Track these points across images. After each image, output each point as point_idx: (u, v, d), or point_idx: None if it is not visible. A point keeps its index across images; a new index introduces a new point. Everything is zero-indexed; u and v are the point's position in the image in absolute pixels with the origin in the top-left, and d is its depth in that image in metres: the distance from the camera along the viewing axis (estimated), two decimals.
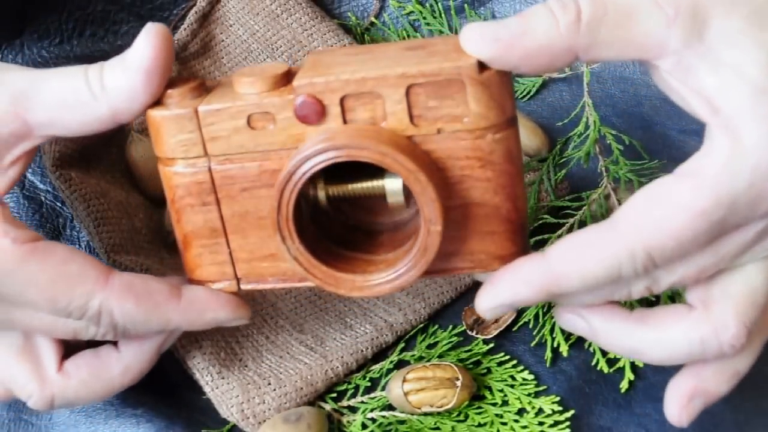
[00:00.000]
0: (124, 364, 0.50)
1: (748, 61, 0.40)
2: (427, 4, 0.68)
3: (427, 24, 0.68)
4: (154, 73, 0.43)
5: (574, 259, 0.42)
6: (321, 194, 0.45)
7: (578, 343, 0.56)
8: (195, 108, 0.43)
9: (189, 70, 0.66)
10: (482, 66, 0.41)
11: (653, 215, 0.41)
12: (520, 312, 0.58)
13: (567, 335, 0.56)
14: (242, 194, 0.44)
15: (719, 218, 0.41)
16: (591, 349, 0.56)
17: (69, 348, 0.50)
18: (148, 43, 0.43)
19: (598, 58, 0.42)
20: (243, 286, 0.47)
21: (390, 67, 0.41)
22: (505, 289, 0.43)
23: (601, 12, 0.40)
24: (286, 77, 0.43)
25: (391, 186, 0.44)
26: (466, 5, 0.67)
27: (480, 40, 0.41)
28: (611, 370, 0.55)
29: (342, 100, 0.42)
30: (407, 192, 0.43)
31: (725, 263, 0.44)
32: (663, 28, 0.40)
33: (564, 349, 0.56)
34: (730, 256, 0.43)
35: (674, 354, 0.45)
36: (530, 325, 0.58)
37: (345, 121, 0.42)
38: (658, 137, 0.65)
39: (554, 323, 0.57)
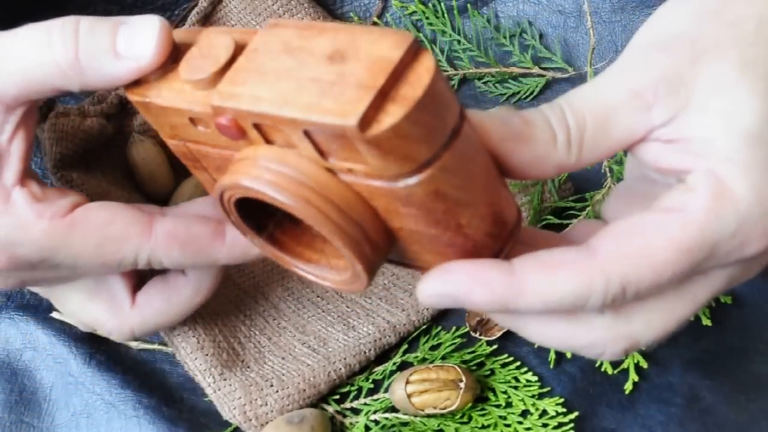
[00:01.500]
0: (193, 286, 0.51)
1: (740, 108, 0.38)
2: (430, 4, 0.68)
3: (430, 24, 0.68)
4: (146, 71, 0.42)
5: (543, 279, 0.39)
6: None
7: None
8: (150, 100, 0.42)
9: None
10: (368, 121, 0.35)
11: (635, 244, 0.38)
12: None
13: None
14: (223, 168, 0.43)
15: (700, 260, 0.38)
16: None
17: (140, 277, 0.52)
18: (154, 40, 0.41)
19: (585, 166, 0.40)
20: None
21: (286, 104, 0.37)
22: (459, 282, 0.39)
23: (582, 127, 0.39)
24: (223, 71, 0.40)
25: None
26: (468, 5, 0.67)
27: None
28: (615, 372, 0.55)
29: (255, 125, 0.39)
30: None
31: (697, 309, 0.41)
32: (643, 115, 0.39)
33: (568, 353, 0.56)
34: (701, 304, 0.41)
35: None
36: None
37: (267, 141, 0.40)
38: None
39: None
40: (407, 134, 0.35)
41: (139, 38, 0.42)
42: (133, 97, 0.43)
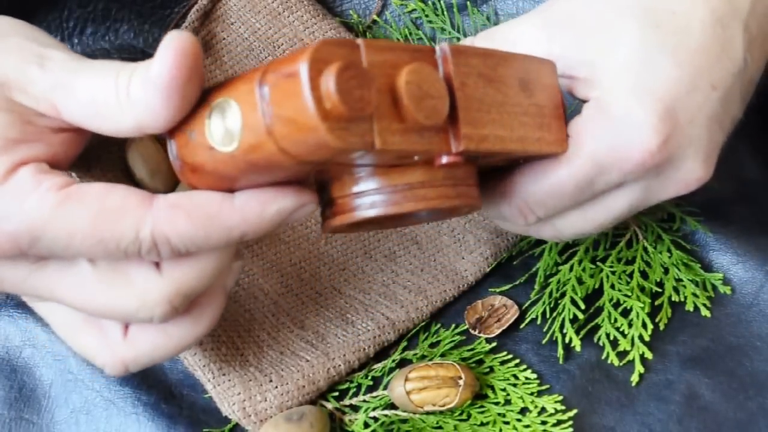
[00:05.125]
0: (193, 315, 0.46)
1: (618, 41, 0.48)
2: (430, 2, 0.68)
3: (429, 22, 0.68)
4: (174, 91, 0.40)
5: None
6: None
7: (584, 340, 0.56)
8: (376, 145, 0.39)
9: None
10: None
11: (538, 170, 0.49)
12: (524, 311, 0.58)
13: (577, 330, 0.56)
14: None
15: (590, 174, 0.48)
16: (600, 344, 0.56)
17: None
18: (167, 56, 0.40)
19: None
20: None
21: (523, 142, 0.46)
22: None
23: None
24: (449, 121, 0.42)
25: None
26: (468, 3, 0.67)
27: None
28: (621, 364, 0.55)
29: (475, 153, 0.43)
30: None
31: (615, 216, 0.51)
32: (542, 48, 0.50)
33: (576, 344, 0.56)
34: (619, 212, 0.51)
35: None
36: (538, 322, 0.58)
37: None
38: None
39: (563, 320, 0.56)
40: None
41: (155, 59, 0.41)
42: (349, 144, 0.38)
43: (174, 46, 0.40)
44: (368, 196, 0.43)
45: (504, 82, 0.45)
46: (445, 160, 0.42)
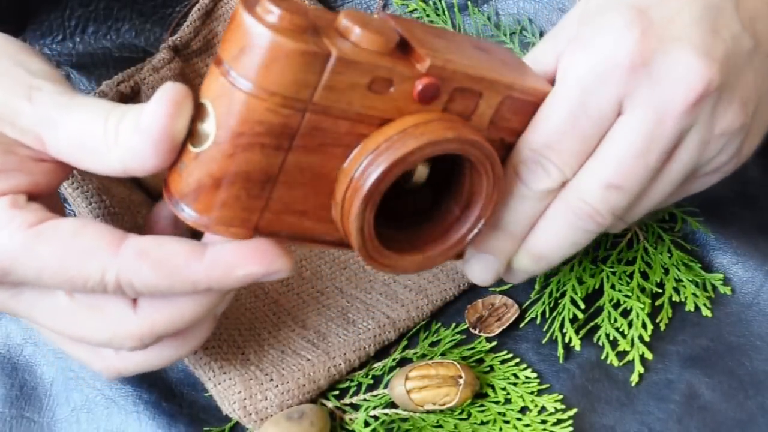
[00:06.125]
0: (182, 337, 0.47)
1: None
2: (431, 2, 0.68)
3: (431, 21, 0.68)
4: (163, 142, 0.41)
5: None
6: (422, 172, 0.46)
7: (584, 340, 0.56)
8: (333, 53, 0.40)
9: (191, 67, 0.66)
10: None
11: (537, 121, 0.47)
12: (524, 310, 0.58)
13: (577, 330, 0.56)
14: (317, 148, 0.42)
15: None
16: (600, 343, 0.56)
17: None
18: (161, 108, 0.41)
19: None
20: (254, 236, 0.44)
21: (501, 75, 0.44)
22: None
23: None
24: (402, 45, 0.43)
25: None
26: (469, 2, 0.67)
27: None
28: (621, 364, 0.55)
29: (453, 90, 0.43)
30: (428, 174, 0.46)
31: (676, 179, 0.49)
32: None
33: (576, 344, 0.56)
34: (679, 174, 0.48)
35: None
36: (537, 321, 0.58)
37: (445, 109, 0.44)
38: None
39: (563, 320, 0.57)
40: None
41: (147, 109, 0.41)
42: (295, 44, 0.39)
43: (168, 98, 0.40)
44: (371, 159, 0.43)
45: (455, 41, 0.46)
46: (420, 86, 0.42)
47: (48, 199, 0.46)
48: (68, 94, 0.44)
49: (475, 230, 0.47)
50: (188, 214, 0.42)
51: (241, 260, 0.42)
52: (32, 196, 0.44)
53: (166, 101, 0.40)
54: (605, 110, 0.46)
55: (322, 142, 0.42)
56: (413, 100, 0.43)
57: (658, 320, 0.57)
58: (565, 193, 0.48)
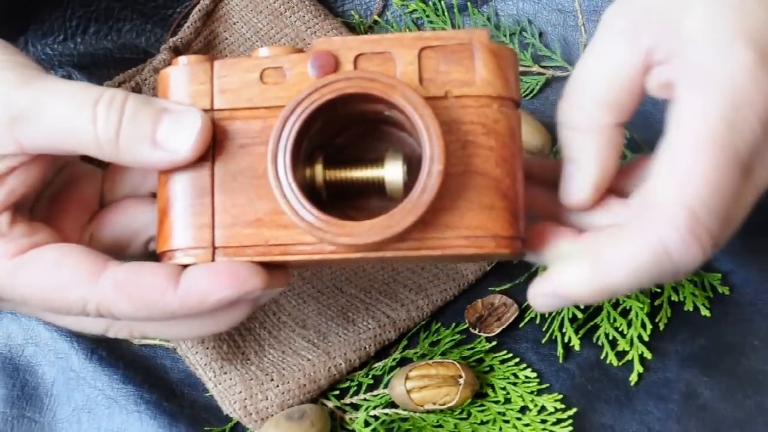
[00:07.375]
0: (214, 317, 0.46)
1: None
2: (431, 2, 0.68)
3: (431, 22, 0.68)
4: (180, 164, 0.43)
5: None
6: (318, 176, 0.44)
7: (583, 340, 0.56)
8: (210, 60, 0.44)
9: None
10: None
11: (682, 172, 0.41)
12: (524, 310, 0.58)
13: (576, 330, 0.56)
14: (239, 151, 0.44)
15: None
16: (599, 343, 0.56)
17: None
18: (193, 138, 0.43)
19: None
20: (218, 258, 0.43)
21: (404, 33, 0.44)
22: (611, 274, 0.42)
23: None
24: (301, 50, 0.45)
25: (391, 176, 0.43)
26: (469, 3, 0.67)
27: None
28: (620, 363, 0.55)
29: (356, 58, 0.43)
30: (406, 182, 0.43)
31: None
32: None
33: (576, 343, 0.56)
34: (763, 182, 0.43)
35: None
36: (537, 321, 0.58)
37: None
38: (658, 133, 0.65)
39: (562, 319, 0.57)
40: (513, 65, 0.44)
41: (180, 134, 0.43)
42: (175, 67, 0.44)
43: (201, 127, 0.43)
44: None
45: None
46: (312, 60, 0.43)
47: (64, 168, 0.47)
48: (42, 81, 0.44)
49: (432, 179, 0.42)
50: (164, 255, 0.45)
51: (213, 285, 0.43)
52: (19, 207, 0.45)
53: (200, 130, 0.43)
54: (756, 151, 0.42)
55: (241, 143, 0.44)
56: (314, 79, 0.43)
57: (657, 320, 0.57)
58: None
